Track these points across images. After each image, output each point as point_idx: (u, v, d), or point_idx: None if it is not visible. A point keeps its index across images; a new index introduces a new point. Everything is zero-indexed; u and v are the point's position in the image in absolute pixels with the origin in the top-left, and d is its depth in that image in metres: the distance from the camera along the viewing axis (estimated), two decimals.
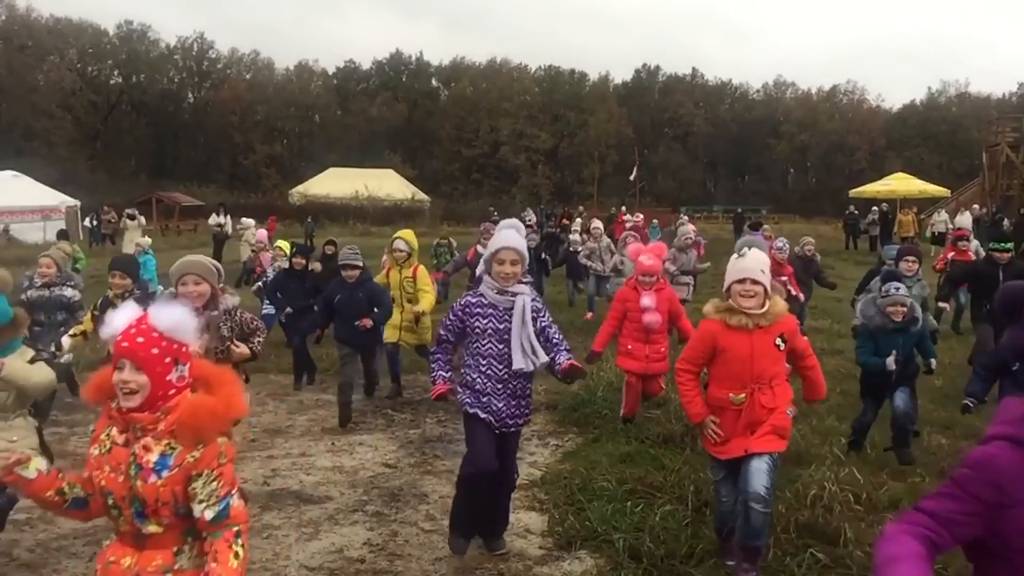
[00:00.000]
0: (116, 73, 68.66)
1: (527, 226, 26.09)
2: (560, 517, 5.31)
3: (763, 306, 4.21)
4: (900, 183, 38.38)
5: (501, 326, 4.46)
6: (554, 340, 4.50)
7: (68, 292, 7.48)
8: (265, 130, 66.85)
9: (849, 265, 22.15)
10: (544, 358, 4.43)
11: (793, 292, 10.35)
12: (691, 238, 12.04)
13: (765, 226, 19.54)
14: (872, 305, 6.30)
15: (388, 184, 53.93)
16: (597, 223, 15.81)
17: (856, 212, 32.58)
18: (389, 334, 8.42)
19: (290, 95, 68.93)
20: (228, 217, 25.17)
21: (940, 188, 38.92)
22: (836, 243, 30.47)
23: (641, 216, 26.50)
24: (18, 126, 55.99)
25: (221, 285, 4.69)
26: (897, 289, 6.13)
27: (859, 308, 6.60)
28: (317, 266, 10.47)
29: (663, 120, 74.12)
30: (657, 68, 77.43)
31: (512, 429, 4.67)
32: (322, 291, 8.72)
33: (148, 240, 14.53)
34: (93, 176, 56.79)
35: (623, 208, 36.17)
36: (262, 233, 13.80)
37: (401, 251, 8.51)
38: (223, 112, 66.13)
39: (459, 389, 4.62)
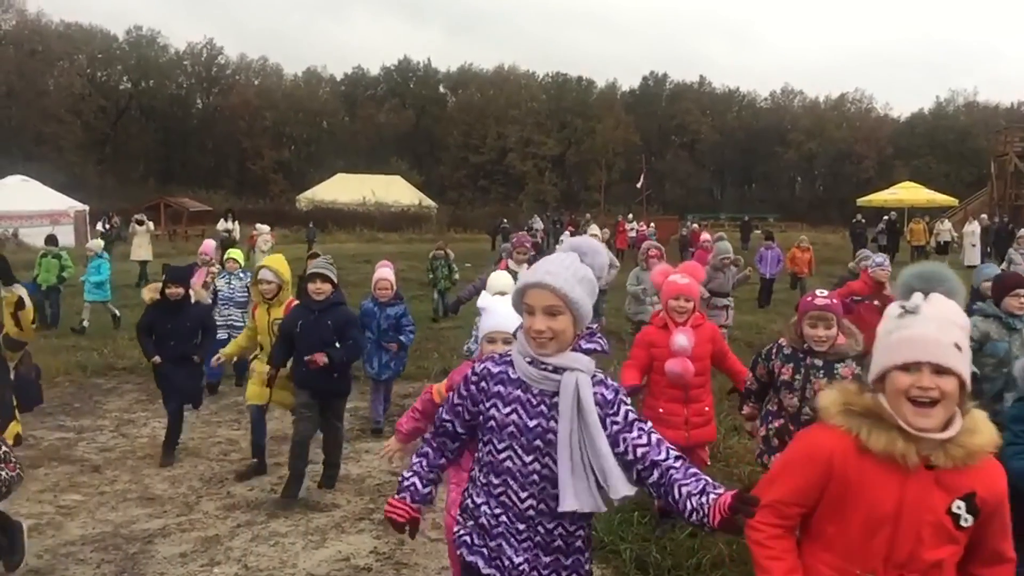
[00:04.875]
0: (125, 78, 69.02)
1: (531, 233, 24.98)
2: None
3: (948, 425, 2.08)
4: (908, 192, 38.33)
5: (533, 423, 2.48)
6: (657, 457, 2.39)
7: None
8: (273, 136, 67.08)
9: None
10: (625, 489, 2.40)
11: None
12: (729, 257, 10.31)
13: (802, 237, 19.08)
14: None
15: (395, 190, 54.14)
16: (596, 230, 14.00)
17: (863, 221, 32.53)
18: (252, 393, 6.37)
19: (298, 101, 69.16)
20: (236, 223, 25.35)
21: (948, 197, 38.86)
22: (843, 252, 30.41)
23: (644, 226, 26.41)
24: (27, 131, 56.26)
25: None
26: None
27: (1018, 369, 4.00)
28: (203, 294, 7.77)
29: (670, 127, 74.23)
30: (664, 76, 77.71)
31: None
32: (210, 332, 7.16)
33: (100, 243, 14.51)
34: (102, 181, 57.21)
35: (630, 215, 36.17)
36: (208, 244, 11.44)
37: (270, 283, 6.33)
38: (231, 118, 66.40)
39: (458, 519, 2.73)
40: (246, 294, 9.33)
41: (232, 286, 9.43)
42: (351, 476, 6.49)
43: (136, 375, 10.02)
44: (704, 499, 2.23)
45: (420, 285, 18.04)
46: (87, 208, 36.81)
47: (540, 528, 2.53)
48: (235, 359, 7.61)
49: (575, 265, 2.48)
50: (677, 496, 2.31)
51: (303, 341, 5.87)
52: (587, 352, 2.47)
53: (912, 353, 2.06)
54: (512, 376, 2.53)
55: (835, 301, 4.28)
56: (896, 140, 70.02)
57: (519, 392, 2.51)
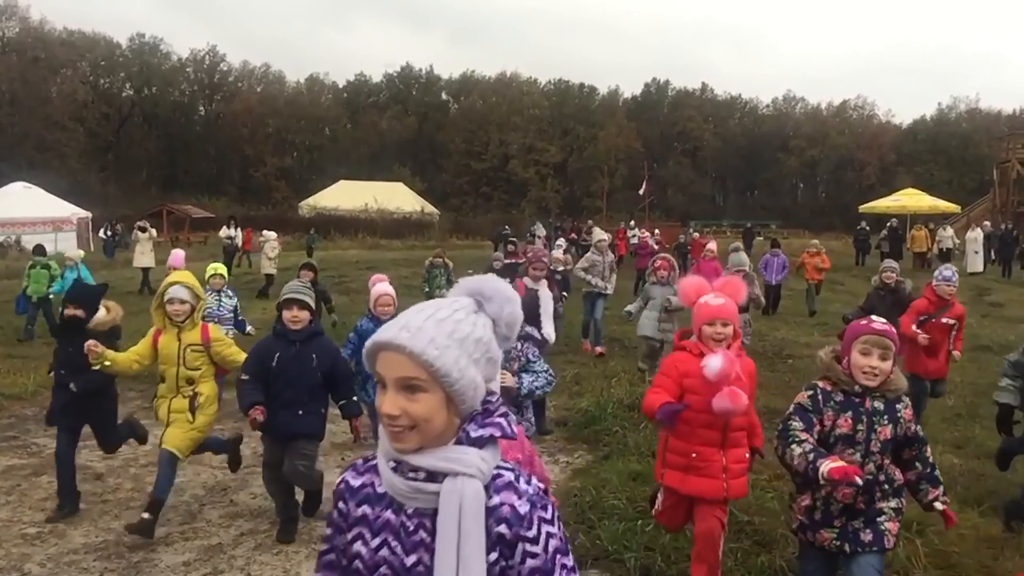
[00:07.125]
0: (128, 85, 69.36)
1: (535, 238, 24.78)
2: (570, 536, 5.27)
3: None
4: (910, 199, 38.38)
5: (412, 560, 1.63)
6: None
7: None
8: (276, 143, 67.29)
9: (859, 281, 22.08)
10: None
11: (955, 353, 7.75)
12: (746, 269, 9.82)
13: (814, 241, 18.73)
14: None
15: (397, 197, 54.29)
16: (602, 235, 13.37)
17: (868, 228, 32.51)
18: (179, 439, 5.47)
19: (301, 108, 69.40)
20: (239, 230, 25.41)
21: (950, 204, 38.89)
22: (846, 258, 30.39)
23: (646, 232, 26.23)
24: (30, 138, 56.43)
25: None
26: None
27: None
28: (110, 315, 6.15)
29: (672, 134, 74.36)
30: (667, 82, 77.90)
31: None
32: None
33: (81, 253, 14.67)
34: (104, 188, 57.40)
35: (632, 222, 36.11)
36: (177, 256, 10.19)
37: (183, 303, 5.44)
38: (234, 125, 66.67)
39: None
40: (232, 315, 9.15)
41: (223, 305, 9.12)
42: None
43: (138, 383, 9.98)
44: None
45: (423, 292, 18.01)
46: (90, 215, 36.90)
47: None
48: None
49: (453, 318, 1.64)
50: None
51: (282, 377, 5.08)
52: (477, 442, 1.61)
53: None
54: (379, 491, 1.69)
55: (894, 330, 3.54)
56: (898, 147, 70.12)
57: (389, 514, 1.66)
